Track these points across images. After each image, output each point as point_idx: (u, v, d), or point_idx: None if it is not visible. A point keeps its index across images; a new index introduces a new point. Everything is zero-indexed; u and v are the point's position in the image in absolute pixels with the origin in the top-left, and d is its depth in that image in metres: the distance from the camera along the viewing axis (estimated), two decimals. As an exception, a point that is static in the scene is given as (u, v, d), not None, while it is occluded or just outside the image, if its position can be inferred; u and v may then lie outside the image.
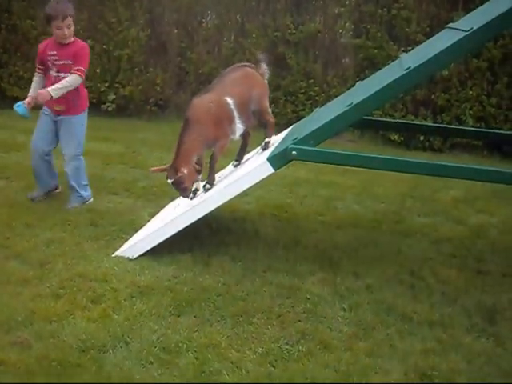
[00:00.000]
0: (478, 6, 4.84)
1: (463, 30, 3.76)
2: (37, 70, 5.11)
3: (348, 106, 3.85)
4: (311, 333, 3.28)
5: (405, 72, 3.75)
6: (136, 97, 9.32)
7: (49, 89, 4.84)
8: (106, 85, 9.39)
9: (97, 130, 8.01)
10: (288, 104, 8.83)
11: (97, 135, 7.51)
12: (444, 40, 4.05)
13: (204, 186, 4.40)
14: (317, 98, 8.72)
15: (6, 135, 7.25)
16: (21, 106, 4.88)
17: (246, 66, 4.60)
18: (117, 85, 9.36)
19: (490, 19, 3.67)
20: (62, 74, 4.94)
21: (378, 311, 3.54)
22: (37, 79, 5.12)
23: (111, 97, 9.36)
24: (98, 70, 9.32)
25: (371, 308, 3.57)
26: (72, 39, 5.00)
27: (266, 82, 4.60)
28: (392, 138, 8.37)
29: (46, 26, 5.09)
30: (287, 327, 3.32)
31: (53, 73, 4.99)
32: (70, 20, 4.90)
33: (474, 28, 3.68)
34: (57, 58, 4.95)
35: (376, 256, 4.36)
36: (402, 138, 8.37)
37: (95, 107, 9.40)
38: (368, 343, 3.21)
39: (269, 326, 3.32)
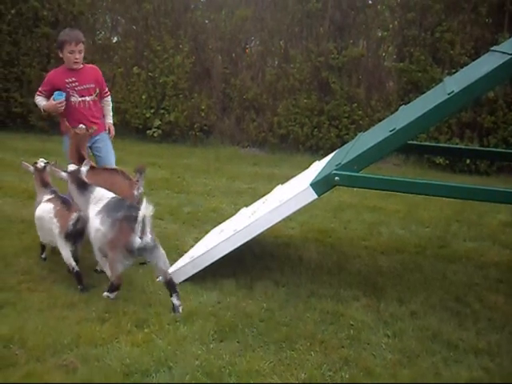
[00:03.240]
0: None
1: (508, 53, 3.72)
2: (40, 93, 5.09)
3: (391, 131, 3.84)
4: (354, 359, 3.25)
5: (448, 96, 3.72)
6: (181, 122, 9.45)
7: (109, 121, 5.30)
8: (152, 111, 9.56)
9: (142, 156, 8.19)
10: (332, 128, 8.85)
11: (142, 161, 7.63)
12: (488, 63, 4.01)
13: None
14: (360, 122, 8.73)
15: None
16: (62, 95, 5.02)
17: (119, 172, 4.64)
18: (162, 111, 9.52)
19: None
20: (87, 98, 5.10)
21: (423, 338, 3.49)
22: (43, 98, 5.12)
23: (157, 123, 9.52)
24: (143, 97, 9.51)
25: (416, 335, 3.52)
26: (81, 65, 5.14)
27: (134, 192, 4.48)
28: (437, 162, 8.31)
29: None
30: (330, 354, 3.30)
31: (75, 98, 5.07)
32: (82, 46, 5.04)
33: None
34: (77, 83, 5.07)
35: (420, 282, 4.31)
36: (447, 162, 8.29)
37: (141, 133, 9.62)
38: (412, 371, 3.17)
39: (312, 353, 3.30)
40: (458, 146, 7.39)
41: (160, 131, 9.50)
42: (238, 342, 3.39)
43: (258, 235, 4.14)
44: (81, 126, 4.88)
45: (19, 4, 9.62)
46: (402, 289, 4.15)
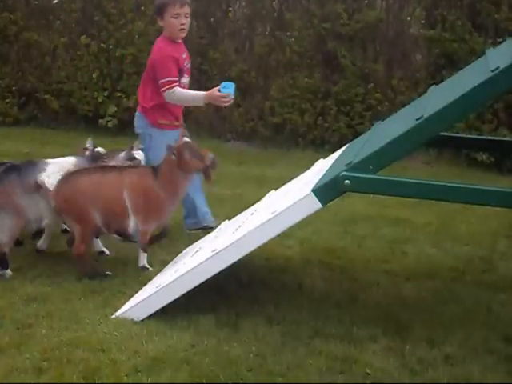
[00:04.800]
0: None
1: None
2: (176, 82, 5.21)
3: (418, 119, 3.85)
4: (372, 420, 3.25)
5: (493, 74, 3.74)
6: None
7: None
8: (105, 94, 9.55)
9: (93, 153, 8.15)
10: (341, 116, 8.87)
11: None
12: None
13: None
14: (379, 107, 8.76)
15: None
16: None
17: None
18: (119, 94, 9.51)
19: None
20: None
21: (462, 391, 3.50)
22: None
23: (112, 109, 9.50)
24: (94, 75, 9.50)
25: (452, 386, 3.53)
26: None
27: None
28: (479, 159, 8.33)
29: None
30: (340, 412, 3.31)
31: (185, 80, 5.35)
32: (188, 9, 5.31)
33: None
34: (188, 60, 5.39)
35: (458, 316, 4.32)
36: (492, 159, 8.32)
37: (91, 122, 9.61)
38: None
39: (316, 411, 3.31)
40: (506, 139, 7.42)
41: (116, 120, 9.49)
42: (218, 397, 3.39)
43: (245, 257, 4.14)
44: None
45: None
46: (433, 326, 4.15)
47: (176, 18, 5.21)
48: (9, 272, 4.71)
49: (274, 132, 9.17)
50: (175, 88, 5.17)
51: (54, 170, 4.86)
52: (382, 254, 5.40)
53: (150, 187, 4.74)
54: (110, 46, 9.50)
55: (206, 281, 4.06)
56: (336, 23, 8.84)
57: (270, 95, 9.15)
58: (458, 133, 7.65)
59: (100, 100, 9.53)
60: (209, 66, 9.55)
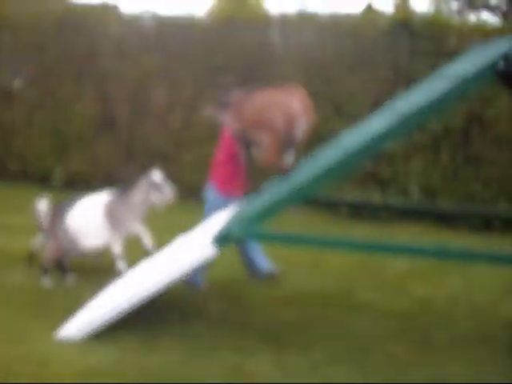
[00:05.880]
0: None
1: (399, 112, 3.95)
2: None
3: (291, 187, 3.99)
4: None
5: (345, 156, 3.90)
6: (84, 170, 9.43)
7: None
8: (54, 159, 9.53)
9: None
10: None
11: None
12: (381, 121, 4.23)
13: None
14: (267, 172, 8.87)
15: None
16: None
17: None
18: (64, 159, 9.50)
19: (427, 102, 3.86)
20: None
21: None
22: None
23: (59, 171, 9.48)
24: (45, 145, 9.47)
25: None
26: None
27: None
28: (342, 211, 8.56)
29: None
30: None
31: None
32: None
33: (410, 110, 3.87)
34: None
35: (325, 333, 4.43)
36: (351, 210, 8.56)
37: (42, 182, 9.49)
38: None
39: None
40: (358, 200, 7.70)
41: (61, 180, 9.46)
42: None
43: (158, 291, 4.16)
44: None
45: None
46: (305, 340, 4.25)
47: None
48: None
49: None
50: None
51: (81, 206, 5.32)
52: (268, 286, 5.46)
53: None
54: (58, 123, 9.51)
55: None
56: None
57: (183, 163, 9.21)
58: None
59: (49, 164, 9.50)
60: (134, 139, 9.58)
